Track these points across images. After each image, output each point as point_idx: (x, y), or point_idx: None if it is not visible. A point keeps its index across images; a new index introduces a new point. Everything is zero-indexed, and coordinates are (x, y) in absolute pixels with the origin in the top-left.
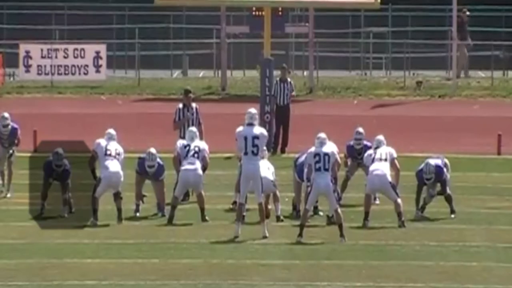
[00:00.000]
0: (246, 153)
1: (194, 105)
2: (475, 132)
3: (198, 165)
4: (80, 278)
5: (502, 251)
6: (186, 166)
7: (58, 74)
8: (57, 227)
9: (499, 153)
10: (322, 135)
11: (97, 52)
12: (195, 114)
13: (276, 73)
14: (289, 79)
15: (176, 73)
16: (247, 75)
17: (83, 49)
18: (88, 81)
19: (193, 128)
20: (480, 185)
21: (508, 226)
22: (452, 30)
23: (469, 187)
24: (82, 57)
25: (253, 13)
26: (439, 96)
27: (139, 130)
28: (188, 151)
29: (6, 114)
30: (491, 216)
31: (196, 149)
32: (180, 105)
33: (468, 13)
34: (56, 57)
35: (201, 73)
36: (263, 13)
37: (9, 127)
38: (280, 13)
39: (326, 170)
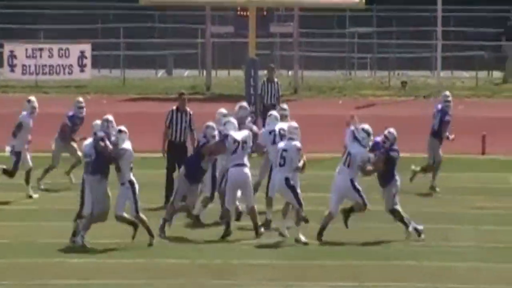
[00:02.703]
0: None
1: (188, 109)
2: (459, 132)
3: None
4: (65, 277)
5: (488, 251)
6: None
7: (43, 73)
8: (42, 227)
9: (483, 153)
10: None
11: (82, 52)
12: (188, 120)
13: (262, 72)
14: (276, 79)
15: (161, 72)
16: (232, 74)
17: (67, 49)
18: (73, 81)
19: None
20: (464, 185)
21: (494, 226)
22: (437, 30)
23: (454, 187)
24: (66, 57)
25: (238, 13)
26: (424, 96)
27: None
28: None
29: (81, 98)
30: (477, 216)
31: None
32: (174, 107)
33: None
34: (40, 56)
35: (186, 73)
36: (248, 13)
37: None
38: (265, 13)
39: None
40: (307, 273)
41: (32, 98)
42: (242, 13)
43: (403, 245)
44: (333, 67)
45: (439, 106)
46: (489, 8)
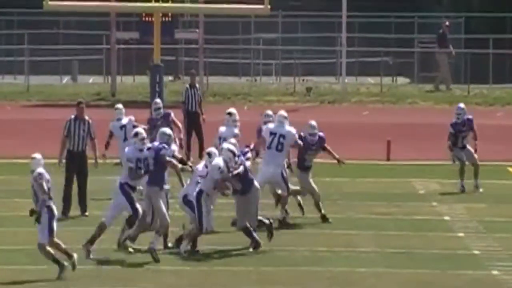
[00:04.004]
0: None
1: (87, 118)
2: (364, 138)
3: None
4: None
5: (390, 257)
6: None
7: None
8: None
9: (388, 159)
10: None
11: None
12: (87, 129)
13: (167, 78)
14: (197, 85)
15: (66, 79)
16: (137, 81)
17: None
18: None
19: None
20: (369, 191)
21: (396, 231)
22: (341, 36)
23: (358, 192)
24: None
25: (143, 19)
26: (329, 102)
27: (28, 136)
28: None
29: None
30: (380, 222)
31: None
32: (72, 116)
33: (447, 23)
34: None
35: (91, 79)
36: (153, 18)
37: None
38: (170, 19)
39: None
40: (210, 278)
41: (119, 105)
42: (147, 18)
43: (308, 250)
44: (238, 73)
45: (453, 120)
46: (394, 15)
